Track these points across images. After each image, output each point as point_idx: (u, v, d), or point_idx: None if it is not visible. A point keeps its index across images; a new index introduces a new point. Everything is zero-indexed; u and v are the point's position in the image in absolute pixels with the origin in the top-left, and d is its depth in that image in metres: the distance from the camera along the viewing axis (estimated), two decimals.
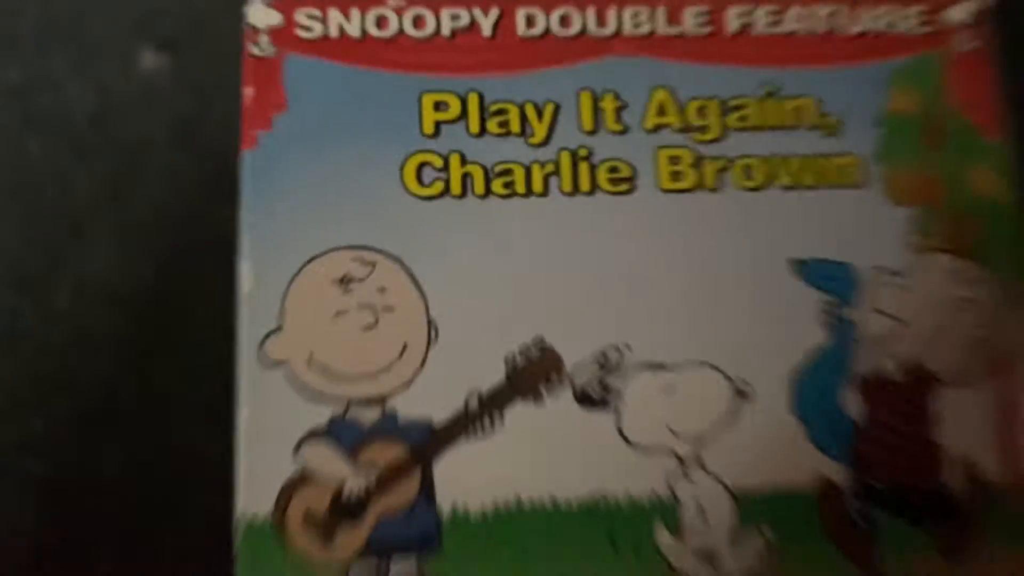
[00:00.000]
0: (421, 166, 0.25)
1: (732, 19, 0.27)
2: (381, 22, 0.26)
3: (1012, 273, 0.26)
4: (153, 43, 0.33)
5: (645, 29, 0.27)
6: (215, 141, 0.32)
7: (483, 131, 0.26)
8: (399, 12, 0.26)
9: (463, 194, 0.25)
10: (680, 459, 0.24)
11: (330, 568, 0.23)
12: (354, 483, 0.24)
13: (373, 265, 0.25)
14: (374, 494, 0.24)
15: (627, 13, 0.27)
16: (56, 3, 0.34)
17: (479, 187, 0.25)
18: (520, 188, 0.26)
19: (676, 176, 0.26)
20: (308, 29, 0.26)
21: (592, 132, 0.26)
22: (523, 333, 0.25)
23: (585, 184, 0.26)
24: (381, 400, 0.24)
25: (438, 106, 0.26)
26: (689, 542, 0.24)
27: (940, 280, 0.26)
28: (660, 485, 0.24)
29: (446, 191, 0.25)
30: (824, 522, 0.24)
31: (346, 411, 0.24)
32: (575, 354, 0.25)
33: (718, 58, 0.27)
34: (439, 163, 0.25)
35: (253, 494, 0.23)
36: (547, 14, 0.27)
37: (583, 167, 0.26)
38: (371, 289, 0.25)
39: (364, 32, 0.26)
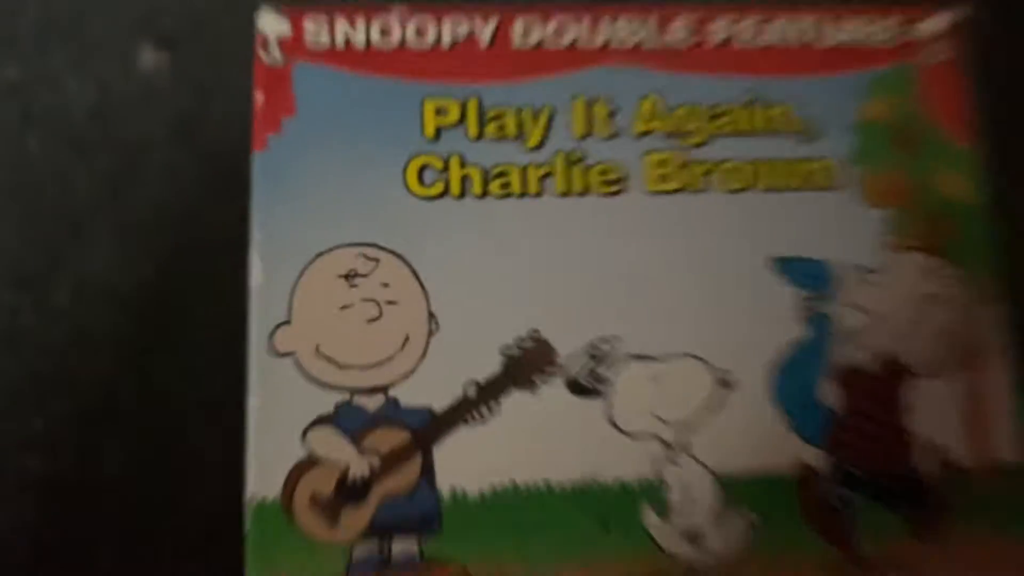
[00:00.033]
0: (422, 168, 0.26)
1: (716, 31, 0.28)
2: (385, 31, 0.27)
3: (980, 270, 0.27)
4: (153, 41, 0.32)
5: (635, 40, 0.27)
6: (215, 139, 0.31)
7: (481, 135, 0.26)
8: (402, 22, 0.27)
9: (462, 194, 0.26)
10: (667, 445, 0.25)
11: (335, 547, 0.24)
12: (358, 467, 0.24)
13: (377, 261, 0.25)
14: (377, 477, 0.24)
15: (618, 25, 0.27)
16: (56, 1, 0.33)
17: (477, 188, 0.26)
18: (516, 189, 0.26)
19: (664, 178, 0.27)
20: (316, 38, 0.26)
21: (584, 136, 0.27)
22: (519, 326, 0.25)
23: (578, 186, 0.26)
24: (384, 388, 0.25)
25: (439, 111, 0.26)
26: (675, 523, 0.24)
27: (912, 277, 0.26)
28: (648, 469, 0.25)
29: (446, 192, 0.26)
30: (803, 505, 0.25)
31: (351, 399, 0.25)
32: (568, 346, 0.25)
33: (703, 68, 0.27)
34: (440, 165, 0.26)
35: (262, 477, 0.24)
36: (542, 25, 0.27)
37: (576, 169, 0.26)
38: (375, 284, 0.25)
39: (369, 41, 0.27)
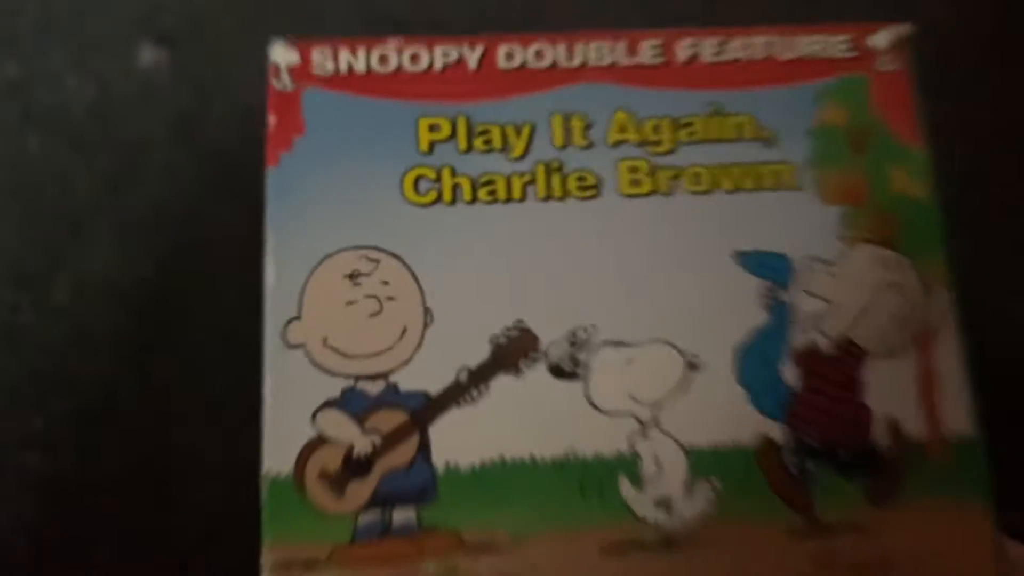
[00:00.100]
0: (418, 178, 0.28)
1: (682, 50, 0.29)
2: (383, 59, 0.28)
3: (929, 260, 0.28)
4: (152, 40, 0.32)
5: (608, 60, 0.29)
6: (215, 139, 0.31)
7: (470, 148, 0.28)
8: (398, 50, 0.29)
9: (454, 201, 0.28)
10: (640, 422, 0.26)
11: (342, 516, 0.25)
12: (362, 445, 0.26)
13: (377, 262, 0.27)
14: (379, 454, 0.26)
15: (592, 47, 0.29)
16: (56, 0, 0.32)
17: (467, 195, 0.28)
18: (502, 196, 0.28)
19: (635, 183, 0.28)
20: (322, 66, 0.28)
21: (563, 147, 0.28)
22: (505, 317, 0.27)
23: (557, 191, 0.28)
24: (385, 375, 0.26)
25: (432, 128, 0.28)
26: (649, 492, 0.26)
27: (867, 267, 0.28)
28: (623, 444, 0.26)
29: (439, 199, 0.27)
30: (765, 474, 0.26)
31: (355, 384, 0.26)
32: (550, 334, 0.27)
33: (670, 83, 0.29)
34: (433, 175, 0.28)
35: (277, 455, 0.25)
36: (524, 49, 0.29)
37: (555, 177, 0.28)
38: (376, 282, 0.27)
39: (369, 68, 0.28)
